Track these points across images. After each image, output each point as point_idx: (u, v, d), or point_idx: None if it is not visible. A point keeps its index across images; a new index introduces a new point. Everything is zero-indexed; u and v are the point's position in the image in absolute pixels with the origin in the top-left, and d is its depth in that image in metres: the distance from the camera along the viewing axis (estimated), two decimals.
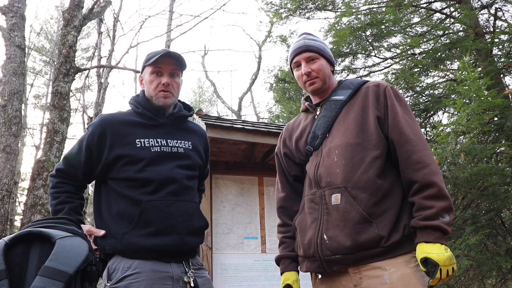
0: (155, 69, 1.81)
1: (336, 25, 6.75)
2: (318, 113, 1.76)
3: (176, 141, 1.82)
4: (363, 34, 6.25)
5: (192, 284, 1.66)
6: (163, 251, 1.66)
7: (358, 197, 1.51)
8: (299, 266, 1.74)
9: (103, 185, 1.80)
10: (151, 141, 1.76)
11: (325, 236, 1.54)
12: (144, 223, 1.65)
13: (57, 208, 1.75)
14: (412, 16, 7.02)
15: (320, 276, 1.67)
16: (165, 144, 1.78)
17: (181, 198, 1.73)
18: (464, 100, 4.33)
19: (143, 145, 1.75)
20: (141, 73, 1.91)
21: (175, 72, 1.85)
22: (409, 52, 6.57)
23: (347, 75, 7.23)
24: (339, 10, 7.42)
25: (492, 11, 6.51)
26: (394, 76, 6.59)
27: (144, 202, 1.67)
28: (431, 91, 6.45)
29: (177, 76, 1.86)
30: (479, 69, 4.99)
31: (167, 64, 1.82)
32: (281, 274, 1.75)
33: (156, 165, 1.73)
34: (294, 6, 7.52)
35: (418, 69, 6.32)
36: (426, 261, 1.39)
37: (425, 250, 1.40)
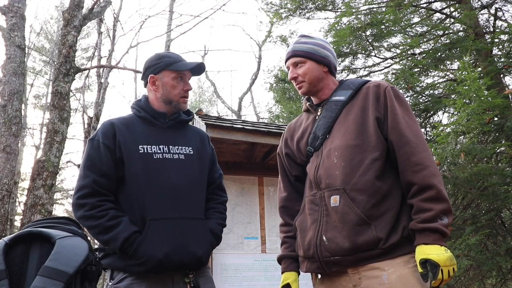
0: (179, 74, 1.86)
1: (336, 25, 6.75)
2: (319, 113, 1.76)
3: (177, 147, 1.82)
4: (363, 34, 6.25)
5: (192, 285, 1.66)
6: (161, 268, 1.63)
7: (356, 199, 1.51)
8: (299, 266, 1.74)
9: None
10: (154, 148, 1.77)
11: (324, 238, 1.54)
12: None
13: (109, 224, 1.61)
14: (412, 16, 7.01)
15: (320, 276, 1.67)
16: (167, 151, 1.78)
17: (184, 215, 1.70)
18: (464, 100, 4.33)
19: (145, 151, 1.75)
20: (155, 74, 1.85)
21: (190, 78, 1.93)
22: (409, 52, 6.56)
23: (347, 75, 7.22)
24: (339, 10, 7.41)
25: (492, 11, 6.51)
26: (394, 76, 6.59)
27: (148, 221, 1.64)
28: (431, 91, 6.45)
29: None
30: (479, 69, 4.99)
31: (188, 71, 1.90)
32: (282, 273, 1.76)
33: (158, 174, 1.72)
34: (294, 6, 7.52)
35: (418, 69, 6.32)
36: (425, 263, 1.39)
37: (424, 251, 1.39)
